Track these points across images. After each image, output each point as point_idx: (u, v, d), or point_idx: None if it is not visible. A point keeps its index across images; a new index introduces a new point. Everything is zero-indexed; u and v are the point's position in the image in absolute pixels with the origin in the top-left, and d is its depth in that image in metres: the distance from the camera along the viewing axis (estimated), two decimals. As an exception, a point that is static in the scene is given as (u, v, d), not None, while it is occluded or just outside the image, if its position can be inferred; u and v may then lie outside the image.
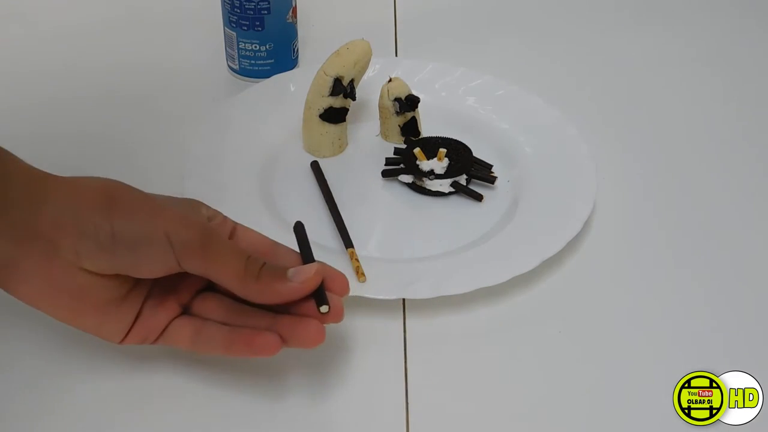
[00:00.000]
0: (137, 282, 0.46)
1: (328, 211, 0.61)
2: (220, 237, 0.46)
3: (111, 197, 0.45)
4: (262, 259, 0.46)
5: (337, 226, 0.59)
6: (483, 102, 0.71)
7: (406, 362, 0.52)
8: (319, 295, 0.46)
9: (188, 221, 0.45)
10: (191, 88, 0.75)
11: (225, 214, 0.50)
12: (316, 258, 0.49)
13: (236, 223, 0.50)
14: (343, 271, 0.54)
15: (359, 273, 0.54)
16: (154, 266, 0.45)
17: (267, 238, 0.50)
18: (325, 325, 0.45)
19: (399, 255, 0.58)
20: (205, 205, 0.50)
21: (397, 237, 0.61)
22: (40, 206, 0.44)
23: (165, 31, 0.84)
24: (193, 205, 0.49)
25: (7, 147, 0.46)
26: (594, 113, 0.72)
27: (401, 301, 0.55)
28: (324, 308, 0.45)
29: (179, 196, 0.59)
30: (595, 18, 0.87)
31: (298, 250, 0.49)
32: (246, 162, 0.64)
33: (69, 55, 0.79)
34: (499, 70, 0.73)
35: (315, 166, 0.65)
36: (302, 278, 0.45)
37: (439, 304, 0.54)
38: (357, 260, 0.55)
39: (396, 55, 0.80)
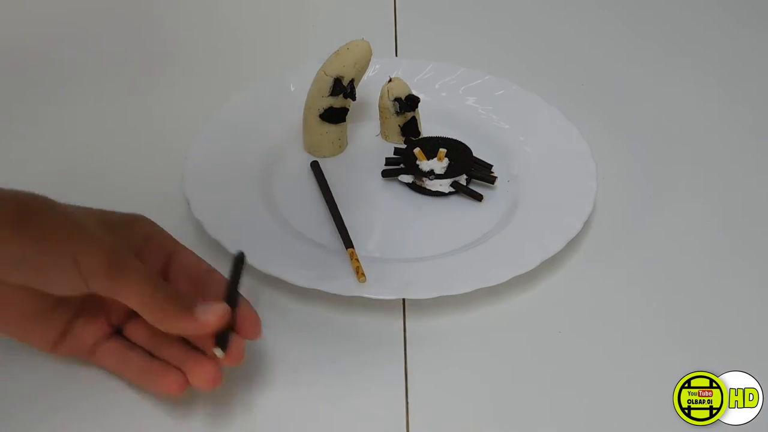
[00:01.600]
0: (64, 297, 0.46)
1: (328, 211, 0.61)
2: (129, 261, 0.45)
3: (25, 215, 0.44)
4: (172, 289, 0.45)
5: (337, 226, 0.59)
6: (483, 102, 0.71)
7: (406, 362, 0.52)
8: (220, 337, 0.45)
9: (98, 244, 0.44)
10: (191, 88, 0.75)
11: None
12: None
13: (178, 245, 0.49)
14: (342, 272, 0.55)
15: (359, 273, 0.54)
16: (63, 287, 0.45)
17: (203, 263, 0.49)
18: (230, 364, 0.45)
19: (399, 255, 0.58)
20: (150, 221, 0.49)
21: (397, 237, 0.61)
22: None
23: (165, 31, 0.84)
24: (133, 221, 0.49)
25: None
26: (594, 113, 0.72)
27: (401, 301, 0.55)
28: (218, 351, 0.44)
29: (179, 196, 0.60)
30: (596, 18, 0.87)
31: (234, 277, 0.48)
32: (246, 162, 0.64)
33: (68, 53, 0.79)
34: (499, 70, 0.73)
35: (315, 166, 0.65)
36: (205, 318, 0.44)
37: (439, 304, 0.54)
38: (357, 260, 0.55)
39: (396, 55, 0.80)
